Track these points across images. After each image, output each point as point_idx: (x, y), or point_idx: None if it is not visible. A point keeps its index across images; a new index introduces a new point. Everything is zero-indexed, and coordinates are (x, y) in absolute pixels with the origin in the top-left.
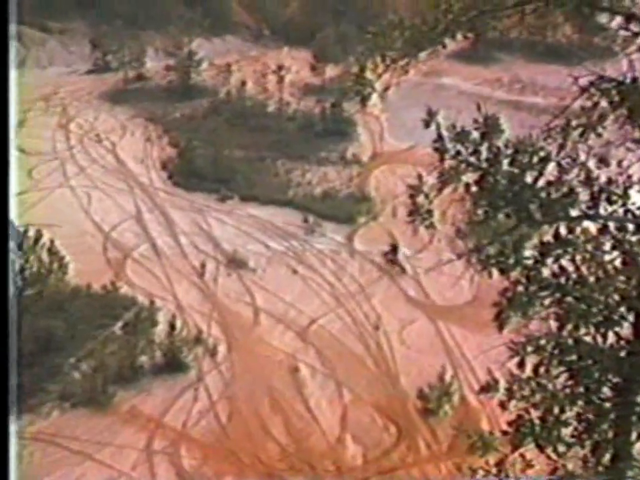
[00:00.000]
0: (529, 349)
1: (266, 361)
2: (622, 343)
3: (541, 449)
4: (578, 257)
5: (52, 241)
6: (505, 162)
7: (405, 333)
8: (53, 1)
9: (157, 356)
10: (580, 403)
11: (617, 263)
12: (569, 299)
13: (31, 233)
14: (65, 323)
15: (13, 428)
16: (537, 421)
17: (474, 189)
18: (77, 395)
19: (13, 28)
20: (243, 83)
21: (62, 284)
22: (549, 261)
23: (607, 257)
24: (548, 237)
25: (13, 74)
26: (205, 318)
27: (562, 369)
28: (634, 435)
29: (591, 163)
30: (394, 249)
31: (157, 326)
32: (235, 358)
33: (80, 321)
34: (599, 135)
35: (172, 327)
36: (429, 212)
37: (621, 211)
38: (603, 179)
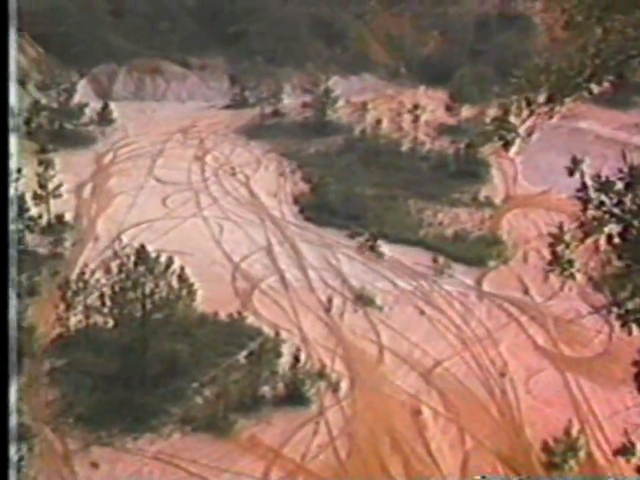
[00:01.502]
0: None
1: (388, 400)
2: None
3: None
4: None
5: (182, 268)
6: None
7: (532, 383)
8: (195, 37)
9: (279, 387)
10: None
11: None
12: None
13: (163, 259)
14: (190, 348)
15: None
16: None
17: (616, 240)
18: (198, 420)
19: (13, 38)
20: (378, 121)
21: (190, 310)
22: None
23: None
24: None
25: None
26: (330, 353)
27: None
28: None
29: None
30: (374, 237)
31: (281, 357)
32: (357, 395)
33: (205, 348)
34: None
35: (296, 359)
36: (570, 262)
37: None
38: None
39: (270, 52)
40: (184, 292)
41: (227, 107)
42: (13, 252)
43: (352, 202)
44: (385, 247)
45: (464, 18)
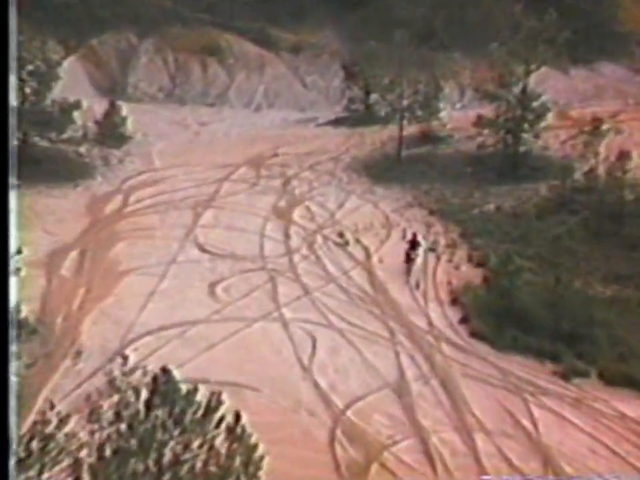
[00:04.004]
0: None
1: None
2: None
3: None
4: None
5: (237, 416)
6: None
7: None
8: None
9: None
10: None
11: None
12: None
13: (201, 396)
14: None
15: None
16: None
17: None
18: None
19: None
20: (622, 156)
21: None
22: None
23: None
24: None
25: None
26: None
27: None
28: None
29: None
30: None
31: None
32: None
33: None
34: None
35: None
36: None
37: None
38: None
39: (420, 24)
40: (237, 461)
41: (336, 121)
42: None
43: (564, 308)
44: (628, 403)
45: None
